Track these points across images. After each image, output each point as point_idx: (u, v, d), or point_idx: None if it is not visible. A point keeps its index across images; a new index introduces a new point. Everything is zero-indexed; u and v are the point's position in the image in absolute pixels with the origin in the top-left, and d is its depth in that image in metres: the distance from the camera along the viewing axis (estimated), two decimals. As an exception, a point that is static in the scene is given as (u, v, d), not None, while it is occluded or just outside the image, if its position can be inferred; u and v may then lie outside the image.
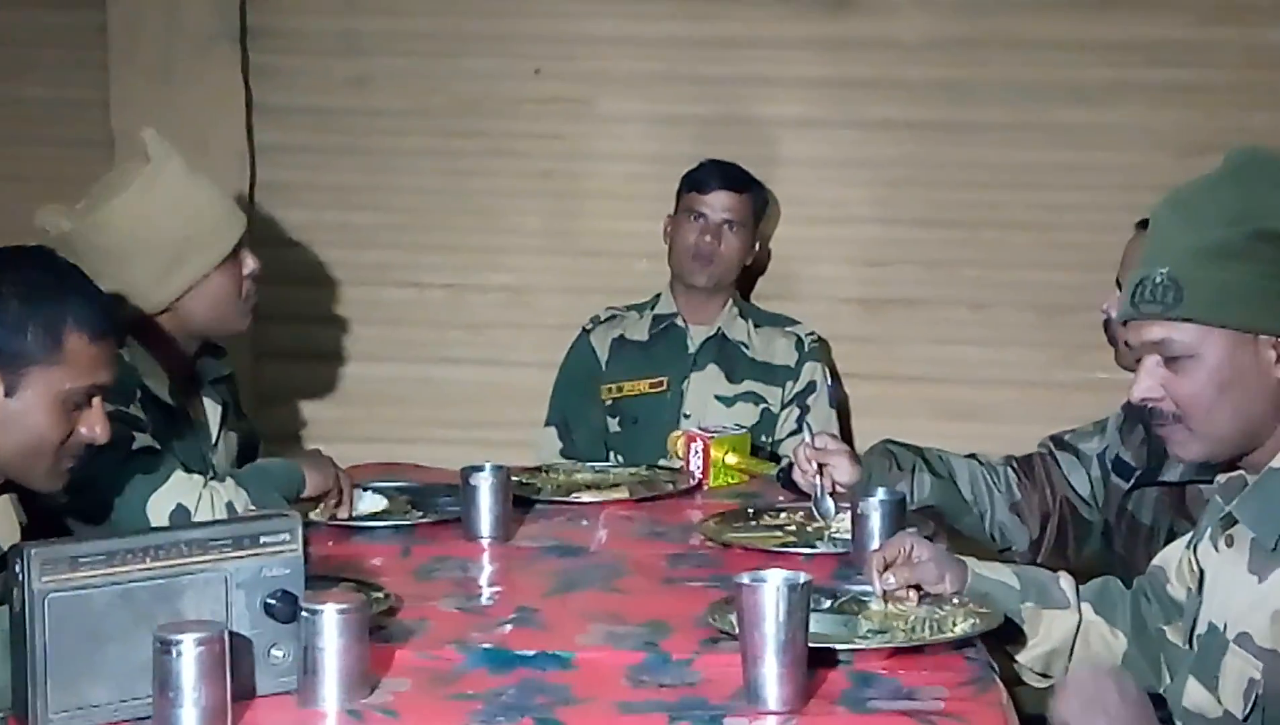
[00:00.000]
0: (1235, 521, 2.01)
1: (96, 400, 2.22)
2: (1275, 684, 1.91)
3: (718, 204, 3.62)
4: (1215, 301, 1.95)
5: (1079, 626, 2.22)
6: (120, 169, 2.88)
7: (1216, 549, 2.05)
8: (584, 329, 3.72)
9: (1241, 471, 2.04)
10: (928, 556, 2.22)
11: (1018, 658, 2.23)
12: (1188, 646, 2.10)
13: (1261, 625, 1.93)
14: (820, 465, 2.71)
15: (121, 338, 2.33)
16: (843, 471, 2.69)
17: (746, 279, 3.80)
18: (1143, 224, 2.92)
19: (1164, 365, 2.01)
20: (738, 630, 1.94)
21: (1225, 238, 1.93)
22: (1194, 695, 2.05)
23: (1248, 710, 1.94)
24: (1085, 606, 2.24)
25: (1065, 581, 2.27)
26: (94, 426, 2.21)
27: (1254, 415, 1.98)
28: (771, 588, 1.91)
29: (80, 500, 2.45)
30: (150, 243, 2.76)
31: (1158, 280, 1.97)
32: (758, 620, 1.90)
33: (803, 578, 1.93)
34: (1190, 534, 2.16)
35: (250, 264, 2.88)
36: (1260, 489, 1.99)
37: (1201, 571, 2.08)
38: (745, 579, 1.94)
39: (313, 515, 2.77)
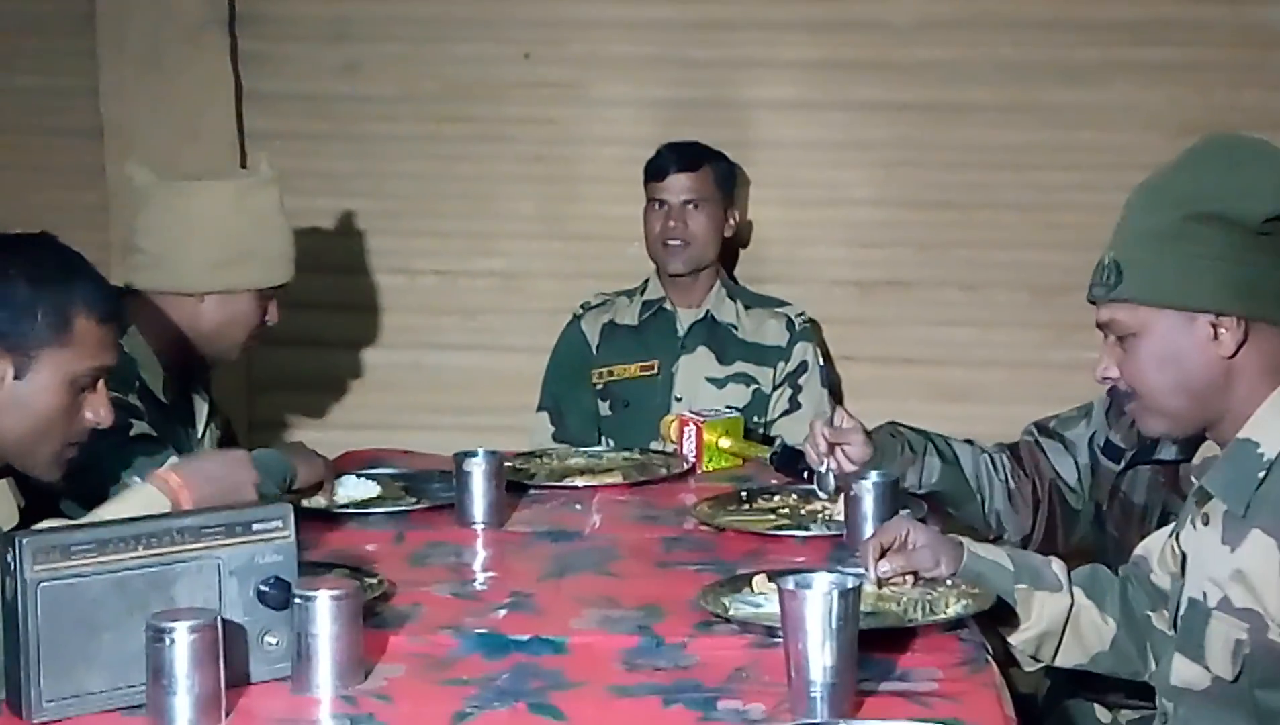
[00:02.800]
0: (1209, 497, 2.04)
1: (101, 383, 2.25)
2: (1260, 640, 1.95)
3: (675, 187, 3.62)
4: (1149, 282, 2.03)
5: (1070, 609, 2.23)
6: (228, 167, 3.09)
7: (1195, 528, 2.07)
8: (574, 315, 3.72)
9: (1214, 445, 2.09)
10: (923, 542, 2.22)
11: (1010, 639, 2.24)
12: (1172, 631, 2.11)
13: (1237, 589, 1.97)
14: (832, 445, 2.69)
15: (124, 322, 2.35)
16: (857, 449, 2.67)
17: (733, 257, 3.79)
18: None
19: (1117, 344, 2.09)
20: (782, 636, 1.86)
21: (1163, 221, 2.02)
22: (1181, 672, 2.06)
23: (1237, 671, 1.98)
24: (1077, 590, 2.25)
25: (1057, 565, 2.27)
26: (98, 410, 2.24)
27: (1197, 390, 2.04)
28: (818, 594, 1.83)
29: (77, 486, 2.45)
30: (223, 231, 2.89)
31: (1106, 262, 2.08)
32: (804, 629, 1.82)
33: (851, 581, 1.87)
34: (1173, 524, 2.18)
35: (273, 313, 2.99)
36: (1228, 459, 2.03)
37: (1183, 555, 2.10)
38: (790, 584, 1.86)
39: (308, 503, 2.79)
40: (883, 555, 2.22)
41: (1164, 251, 2.02)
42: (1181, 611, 2.08)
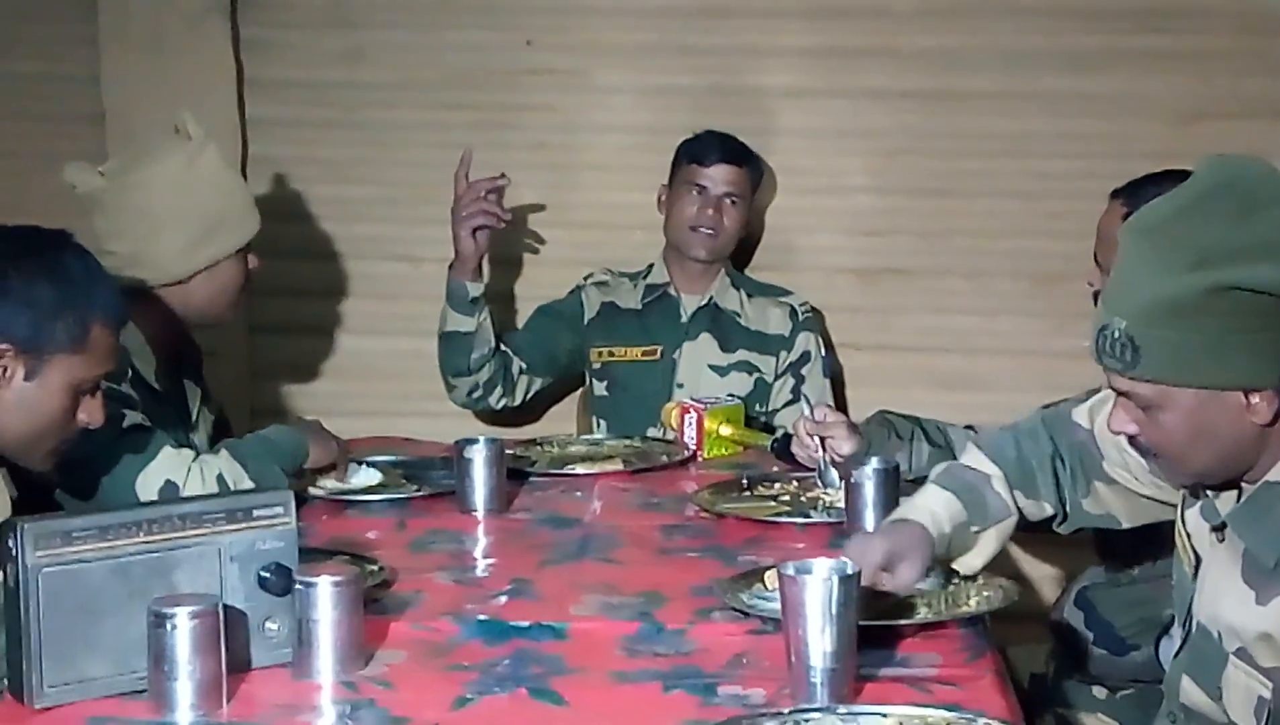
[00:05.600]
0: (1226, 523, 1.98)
1: (99, 391, 2.26)
2: None
3: (719, 177, 3.60)
4: (1172, 362, 1.87)
5: (1015, 522, 2.26)
6: (155, 141, 2.98)
7: (1208, 536, 2.02)
8: (578, 285, 3.72)
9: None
10: (901, 564, 2.13)
11: (955, 565, 2.25)
12: (1180, 628, 2.10)
13: (1264, 649, 1.91)
14: (821, 438, 2.70)
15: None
16: (843, 443, 2.68)
17: (739, 249, 3.79)
18: (1116, 193, 2.93)
19: (1136, 406, 1.95)
20: (783, 622, 1.87)
21: (1181, 291, 1.84)
22: (1192, 695, 2.04)
23: None
24: (1017, 495, 2.27)
25: (999, 483, 2.26)
26: (93, 413, 2.26)
27: (1232, 454, 1.92)
28: (818, 580, 1.84)
29: (71, 477, 2.47)
30: (187, 212, 2.86)
31: (1115, 335, 1.89)
32: (804, 615, 1.83)
33: (850, 567, 1.88)
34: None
35: (253, 261, 2.98)
36: (1255, 503, 1.93)
37: (1197, 555, 2.05)
38: (790, 570, 1.86)
39: (312, 489, 2.80)
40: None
41: (1186, 327, 1.84)
42: (1192, 631, 2.05)
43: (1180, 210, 1.89)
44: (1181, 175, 2.44)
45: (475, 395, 3.57)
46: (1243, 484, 1.97)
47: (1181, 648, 2.09)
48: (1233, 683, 1.96)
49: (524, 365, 3.59)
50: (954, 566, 2.24)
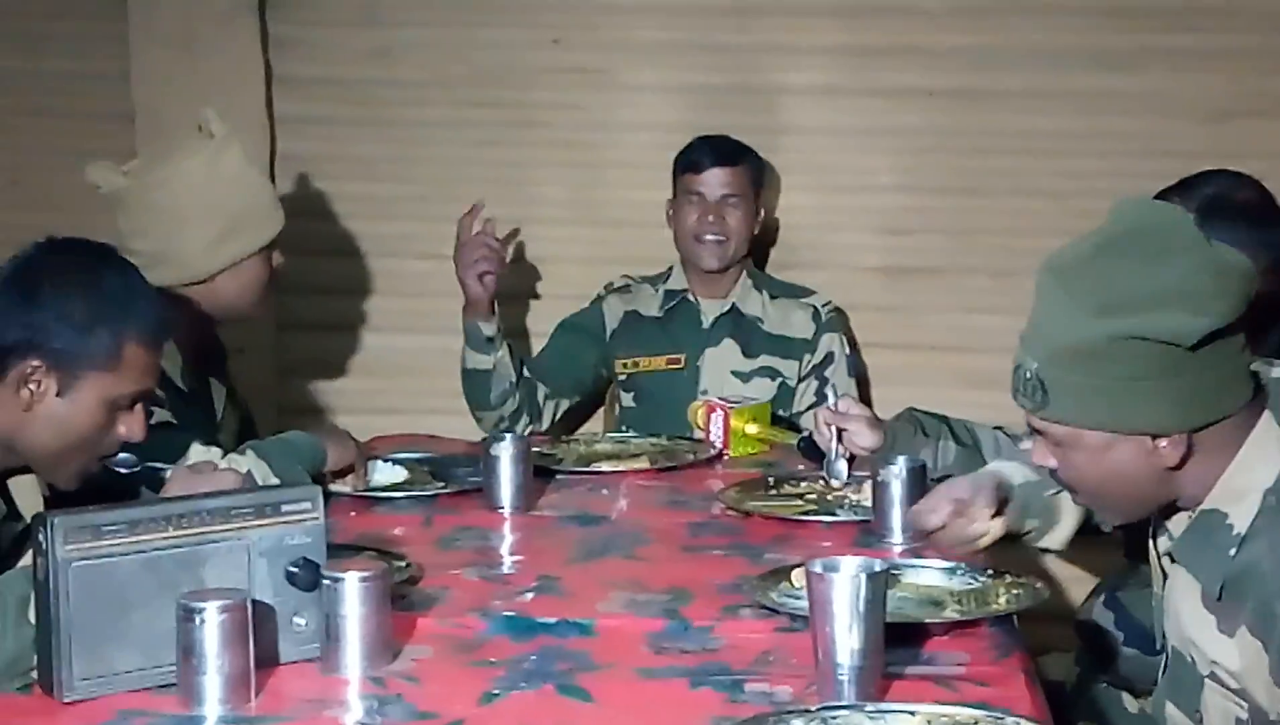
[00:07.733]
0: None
1: (139, 404, 2.25)
2: (1262, 719, 1.90)
3: (715, 181, 3.58)
4: (1078, 406, 1.90)
5: None
6: (178, 139, 2.99)
7: (1171, 562, 2.03)
8: (598, 295, 3.71)
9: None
10: (974, 501, 2.22)
11: (1041, 544, 2.30)
12: (1159, 646, 2.10)
13: (1229, 676, 1.92)
14: (839, 429, 2.69)
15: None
16: (862, 436, 2.67)
17: (761, 249, 3.78)
18: (1165, 193, 2.90)
19: (1052, 443, 1.98)
20: (810, 620, 1.86)
21: (1086, 337, 1.87)
22: (1175, 720, 2.05)
23: None
24: None
25: None
26: (132, 427, 2.25)
27: (1144, 493, 1.96)
28: (846, 578, 1.83)
29: (99, 475, 2.46)
30: (211, 209, 2.87)
31: (1027, 376, 1.95)
32: (832, 612, 1.82)
33: (878, 565, 1.88)
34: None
35: (278, 258, 3.00)
36: (1195, 532, 1.95)
37: (1165, 573, 2.06)
38: (818, 567, 1.86)
39: (332, 487, 2.80)
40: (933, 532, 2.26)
41: (1091, 373, 1.88)
42: (1169, 655, 2.05)
43: (1091, 254, 1.92)
44: (1230, 175, 2.45)
45: (502, 427, 3.50)
46: (1189, 513, 1.97)
47: (1164, 671, 2.09)
48: (1210, 705, 1.96)
49: (549, 390, 3.56)
50: (1040, 545, 2.28)
